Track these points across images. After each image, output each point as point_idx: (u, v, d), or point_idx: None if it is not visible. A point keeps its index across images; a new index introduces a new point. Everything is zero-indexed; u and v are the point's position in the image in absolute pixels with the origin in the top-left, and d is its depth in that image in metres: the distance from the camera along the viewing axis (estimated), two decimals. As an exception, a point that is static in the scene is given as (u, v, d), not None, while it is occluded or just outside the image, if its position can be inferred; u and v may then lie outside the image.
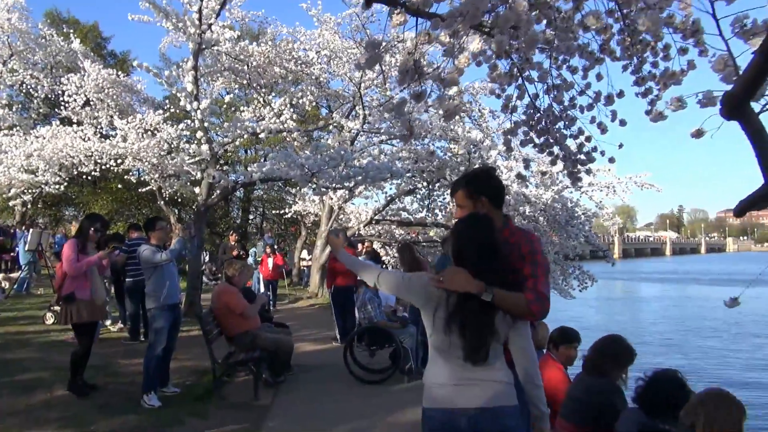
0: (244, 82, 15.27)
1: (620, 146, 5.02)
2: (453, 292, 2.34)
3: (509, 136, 5.11)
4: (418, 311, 7.33)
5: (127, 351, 7.87)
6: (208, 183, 11.03)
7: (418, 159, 12.73)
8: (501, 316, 2.38)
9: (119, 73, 17.77)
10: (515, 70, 4.67)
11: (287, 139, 16.21)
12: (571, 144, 5.09)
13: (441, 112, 4.17)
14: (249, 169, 10.55)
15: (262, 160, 12.53)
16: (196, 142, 11.43)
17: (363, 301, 6.91)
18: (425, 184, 14.06)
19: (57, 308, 10.16)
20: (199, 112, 10.38)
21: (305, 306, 15.16)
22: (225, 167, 18.17)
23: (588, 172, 5.18)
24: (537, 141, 5.23)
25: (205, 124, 10.93)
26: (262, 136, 11.41)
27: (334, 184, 9.79)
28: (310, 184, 10.16)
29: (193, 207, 21.41)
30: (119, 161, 14.55)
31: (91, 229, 5.88)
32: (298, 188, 22.80)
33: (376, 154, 12.07)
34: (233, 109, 17.86)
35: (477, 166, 12.27)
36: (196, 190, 11.54)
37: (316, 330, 10.80)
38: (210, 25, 10.21)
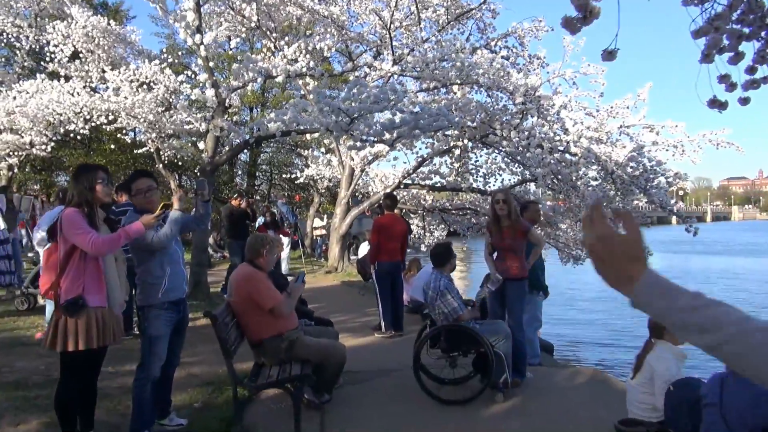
0: (252, 25, 13.17)
1: None
2: None
3: (714, 35, 3.22)
4: (501, 299, 4.89)
5: (115, 351, 6.00)
6: (215, 137, 9.10)
7: (462, 110, 10.72)
8: None
9: (111, 22, 15.81)
10: None
11: (302, 91, 14.27)
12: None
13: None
14: (266, 119, 8.60)
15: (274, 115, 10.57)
16: (200, 86, 9.49)
17: (437, 290, 4.96)
18: (465, 141, 12.08)
19: (32, 290, 8.41)
20: (202, 48, 8.41)
21: (326, 284, 13.31)
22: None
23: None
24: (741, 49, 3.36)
25: (210, 64, 8.96)
26: (279, 79, 9.43)
27: (372, 137, 7.82)
28: (334, 138, 8.26)
29: (195, 171, 19.52)
30: (111, 118, 12.79)
31: (97, 183, 3.56)
32: (310, 150, 20.84)
33: (423, 101, 10.03)
34: (239, 60, 15.83)
35: (534, 118, 10.30)
36: (201, 145, 9.60)
37: (348, 315, 8.99)
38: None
